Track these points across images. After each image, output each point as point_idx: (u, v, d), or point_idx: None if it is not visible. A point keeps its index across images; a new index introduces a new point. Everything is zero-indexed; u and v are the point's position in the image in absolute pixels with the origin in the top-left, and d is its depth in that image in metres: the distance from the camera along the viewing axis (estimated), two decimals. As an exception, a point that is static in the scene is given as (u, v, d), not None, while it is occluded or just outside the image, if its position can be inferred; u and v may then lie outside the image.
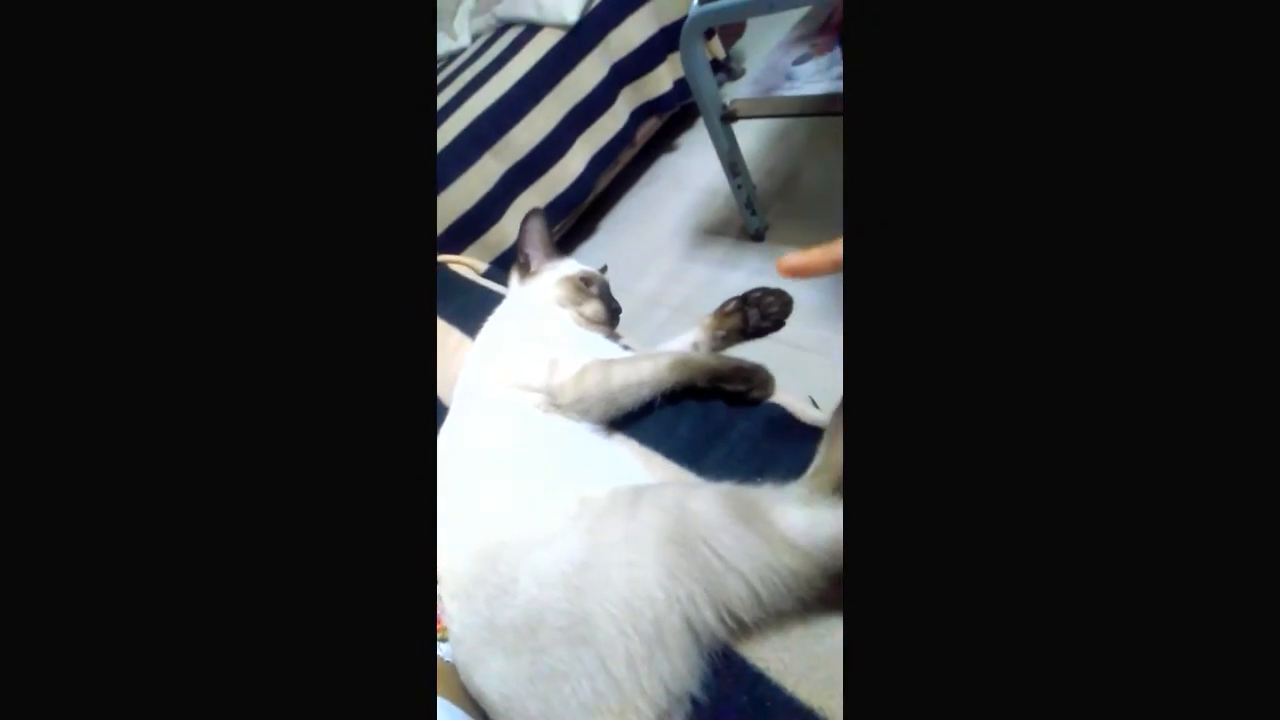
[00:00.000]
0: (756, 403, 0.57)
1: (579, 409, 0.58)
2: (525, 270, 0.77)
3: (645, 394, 0.58)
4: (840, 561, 0.39)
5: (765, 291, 0.65)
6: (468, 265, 1.04)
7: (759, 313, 0.64)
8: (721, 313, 0.66)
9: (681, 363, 0.58)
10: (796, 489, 0.44)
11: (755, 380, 0.57)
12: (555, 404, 0.59)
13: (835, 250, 0.36)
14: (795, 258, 0.37)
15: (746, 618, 0.40)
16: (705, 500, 0.42)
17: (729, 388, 0.57)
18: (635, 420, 0.60)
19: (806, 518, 0.40)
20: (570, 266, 0.77)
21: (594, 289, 0.74)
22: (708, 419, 0.57)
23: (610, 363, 0.60)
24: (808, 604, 0.40)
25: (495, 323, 0.71)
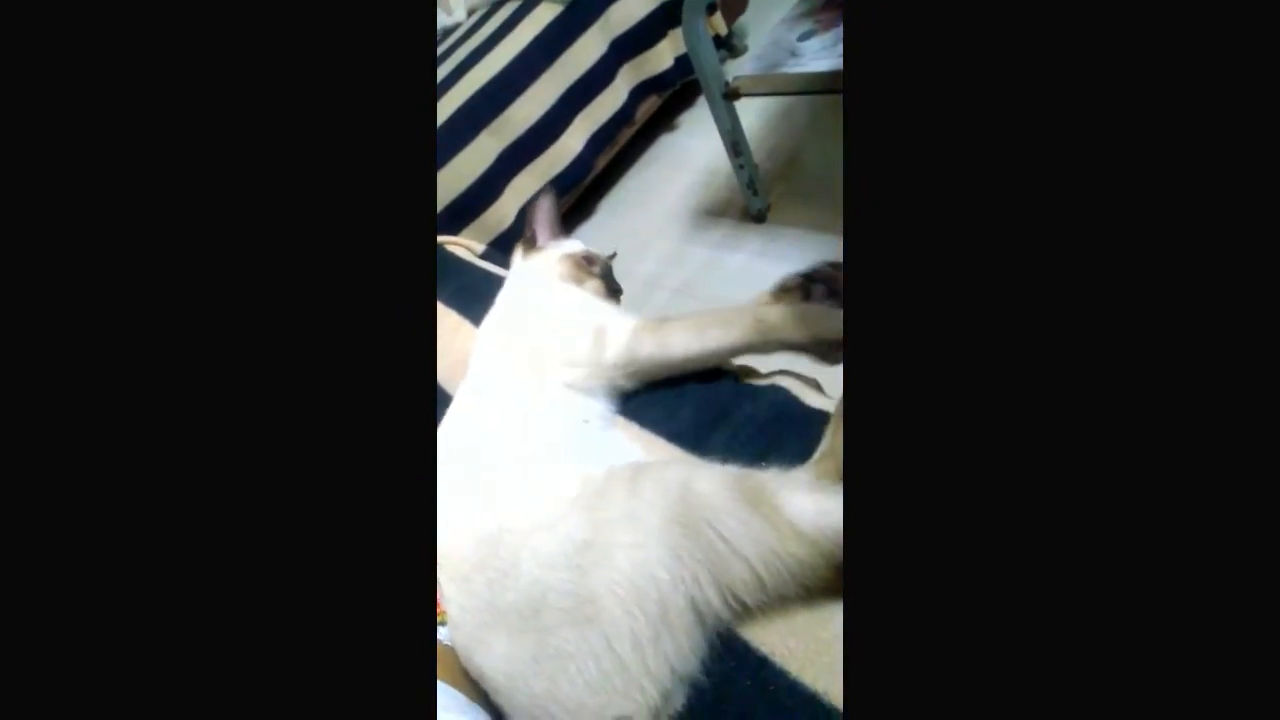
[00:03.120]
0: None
1: (636, 380, 0.57)
2: (530, 245, 0.77)
3: (712, 363, 0.56)
4: None
5: (833, 265, 0.56)
6: (465, 246, 1.02)
7: (825, 289, 0.55)
8: (780, 290, 0.57)
9: (758, 329, 0.53)
10: (803, 474, 0.43)
11: (839, 356, 0.51)
12: (604, 376, 0.56)
13: None
14: None
15: (750, 601, 0.40)
16: (711, 482, 0.42)
17: (818, 359, 0.53)
18: (637, 403, 0.59)
19: (814, 505, 0.40)
20: (574, 246, 0.77)
21: (596, 269, 0.74)
22: (711, 402, 0.56)
23: (667, 325, 0.56)
24: (812, 591, 0.40)
25: (509, 301, 0.69)
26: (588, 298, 0.68)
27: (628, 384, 0.57)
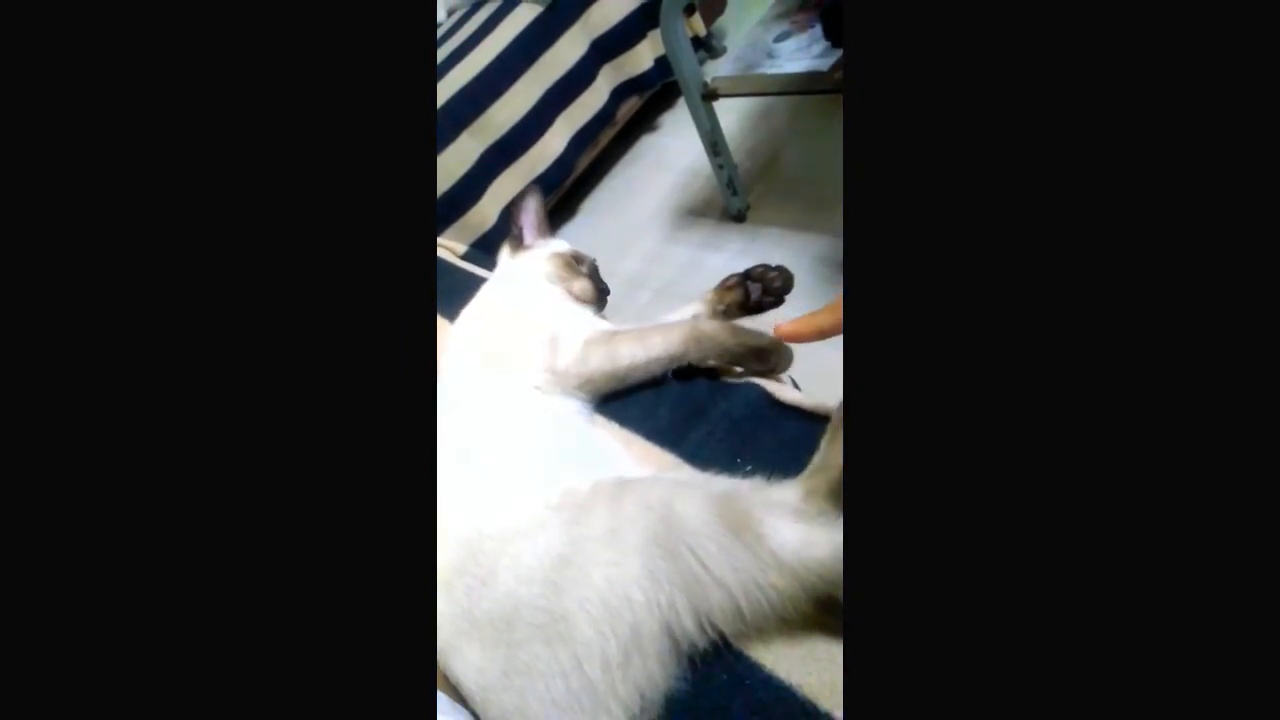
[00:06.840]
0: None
1: (587, 389, 0.58)
2: (517, 244, 0.77)
3: (656, 370, 0.58)
4: (829, 585, 0.38)
5: (767, 267, 0.65)
6: (447, 248, 1.03)
7: (761, 288, 0.65)
8: (723, 287, 0.67)
9: (696, 338, 0.57)
10: (790, 495, 0.42)
11: (774, 361, 0.58)
12: (559, 384, 0.57)
13: (819, 320, 0.41)
14: (788, 325, 0.43)
15: (727, 630, 0.39)
16: (693, 503, 0.41)
17: (755, 367, 0.58)
18: (615, 402, 0.59)
19: (799, 535, 0.39)
20: (561, 245, 0.77)
21: (584, 268, 0.74)
22: (687, 400, 0.57)
23: (615, 337, 0.58)
24: (790, 624, 0.39)
25: (484, 299, 0.70)
26: (559, 301, 0.69)
27: (580, 392, 0.58)
